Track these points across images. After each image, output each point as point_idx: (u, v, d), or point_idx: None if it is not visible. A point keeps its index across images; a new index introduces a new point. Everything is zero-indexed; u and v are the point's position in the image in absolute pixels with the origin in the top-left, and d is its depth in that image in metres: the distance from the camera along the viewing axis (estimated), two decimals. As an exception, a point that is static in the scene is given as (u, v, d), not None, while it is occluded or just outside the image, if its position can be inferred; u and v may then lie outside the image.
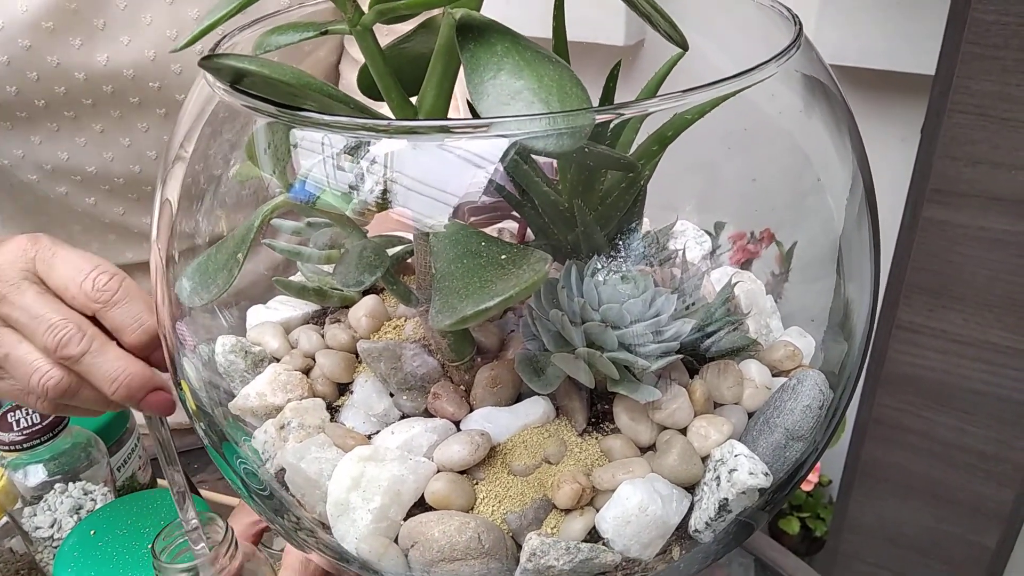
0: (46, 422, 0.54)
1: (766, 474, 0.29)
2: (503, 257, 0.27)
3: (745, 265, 0.42)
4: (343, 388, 0.37)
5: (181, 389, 0.35)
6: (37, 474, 0.56)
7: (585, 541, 0.30)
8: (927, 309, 0.89)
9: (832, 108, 0.35)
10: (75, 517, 0.57)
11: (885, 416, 0.98)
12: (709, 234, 0.42)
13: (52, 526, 0.56)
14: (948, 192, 0.80)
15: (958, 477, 0.98)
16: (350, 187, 0.29)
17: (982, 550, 1.02)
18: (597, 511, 0.31)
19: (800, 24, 0.31)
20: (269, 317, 0.40)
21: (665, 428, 0.32)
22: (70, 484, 0.57)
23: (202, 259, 0.31)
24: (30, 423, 0.54)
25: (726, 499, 0.29)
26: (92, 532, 0.53)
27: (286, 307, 0.42)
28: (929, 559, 1.06)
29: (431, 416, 0.34)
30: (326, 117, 0.26)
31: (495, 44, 0.25)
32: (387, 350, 0.35)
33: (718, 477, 0.30)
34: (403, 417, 0.34)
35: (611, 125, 0.32)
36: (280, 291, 0.40)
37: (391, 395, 0.35)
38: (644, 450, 0.33)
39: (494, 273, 0.27)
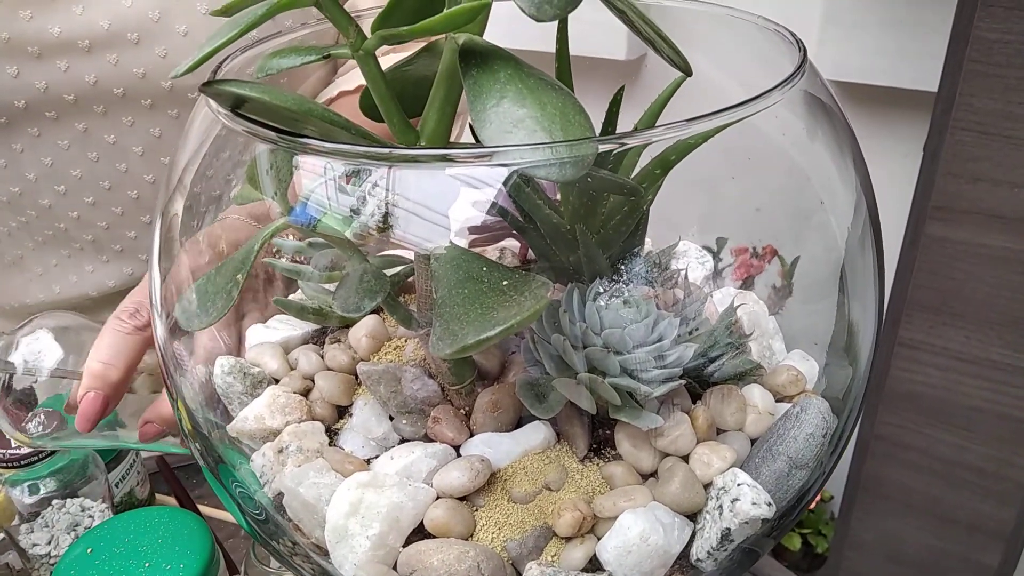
0: (43, 439, 0.54)
1: (769, 504, 0.29)
2: (504, 283, 0.27)
3: (747, 281, 0.42)
4: (342, 411, 0.36)
5: (177, 409, 0.34)
6: (35, 491, 0.55)
7: (585, 570, 0.29)
8: (928, 326, 0.89)
9: (835, 130, 0.35)
10: (72, 534, 0.56)
11: (887, 433, 0.98)
12: (711, 252, 0.42)
13: (49, 543, 0.56)
14: (950, 209, 0.80)
15: (959, 495, 0.97)
16: (351, 211, 0.29)
17: (983, 569, 1.01)
18: (598, 539, 0.30)
19: (804, 50, 0.31)
20: (268, 337, 0.40)
21: (667, 455, 0.32)
22: (68, 500, 0.57)
23: (201, 282, 0.30)
24: (27, 440, 0.54)
25: (728, 529, 0.29)
26: (89, 550, 0.53)
27: (286, 326, 0.41)
28: (930, 577, 1.05)
29: (431, 440, 0.34)
30: (327, 144, 0.26)
31: (498, 71, 0.25)
32: (387, 373, 0.35)
33: (720, 506, 0.30)
34: (402, 441, 0.34)
35: (613, 152, 0.32)
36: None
37: (390, 418, 0.35)
38: (646, 477, 0.32)
39: (495, 300, 0.26)
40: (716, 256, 0.42)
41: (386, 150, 0.25)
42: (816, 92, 0.33)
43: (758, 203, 0.36)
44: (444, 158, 0.25)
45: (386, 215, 0.28)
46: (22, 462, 0.53)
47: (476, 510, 0.31)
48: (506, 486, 0.32)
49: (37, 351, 0.46)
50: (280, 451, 0.34)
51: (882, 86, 0.99)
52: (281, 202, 0.29)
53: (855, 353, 0.35)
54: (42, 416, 0.46)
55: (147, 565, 0.52)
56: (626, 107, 0.36)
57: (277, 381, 0.38)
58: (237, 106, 0.27)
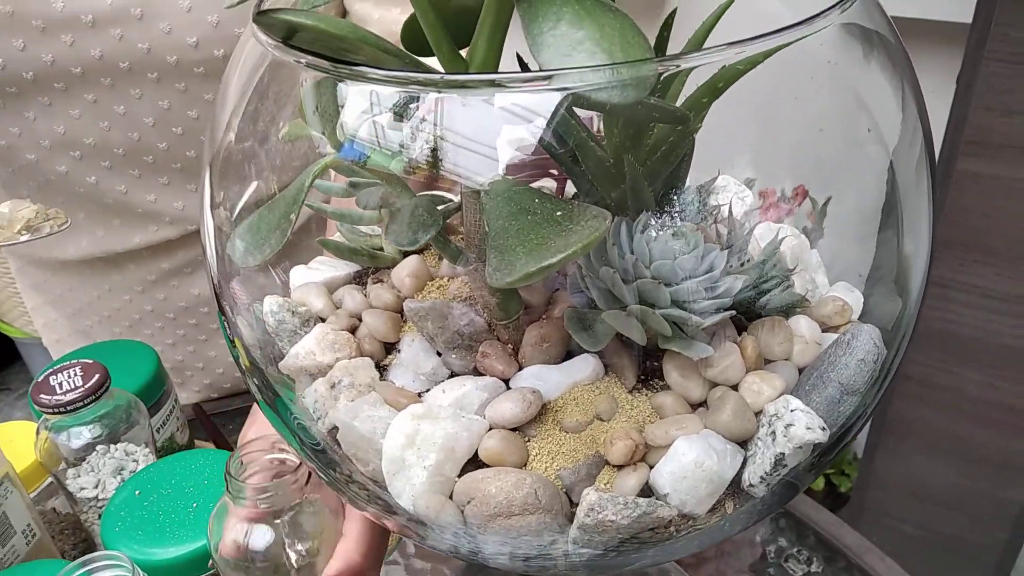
0: (89, 384, 0.55)
1: (823, 428, 0.29)
2: (558, 214, 0.27)
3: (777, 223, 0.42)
4: (389, 348, 0.37)
5: (235, 346, 0.35)
6: (80, 436, 0.56)
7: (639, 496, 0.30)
8: (958, 264, 0.88)
9: (889, 55, 0.34)
10: (118, 478, 0.58)
11: (914, 373, 0.98)
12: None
13: (96, 487, 0.57)
14: (983, 143, 0.78)
15: (986, 433, 0.98)
16: (400, 145, 0.28)
17: (1010, 505, 1.02)
18: (650, 468, 0.31)
19: (858, -31, 0.31)
20: (311, 277, 0.40)
21: (716, 385, 0.32)
22: (112, 446, 0.58)
23: (253, 219, 0.31)
24: (73, 386, 0.55)
25: (782, 453, 0.29)
26: (137, 492, 0.54)
27: (327, 267, 0.42)
28: (955, 514, 1.06)
29: (480, 374, 0.34)
30: (378, 72, 0.25)
31: (553, -6, 0.24)
32: (434, 309, 0.35)
33: (773, 432, 0.30)
34: (452, 375, 0.34)
35: (661, 76, 0.32)
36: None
37: (438, 354, 0.35)
38: (695, 407, 0.32)
39: (551, 230, 0.26)
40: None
41: (438, 76, 0.25)
42: (871, 14, 0.32)
43: (809, 132, 0.36)
44: (497, 83, 0.25)
45: (434, 150, 0.28)
46: (67, 408, 0.54)
47: (528, 440, 0.32)
48: (557, 417, 0.32)
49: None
50: (332, 386, 0.34)
51: (913, 18, 0.97)
52: (330, 138, 0.29)
53: (906, 285, 0.35)
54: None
55: (195, 505, 0.53)
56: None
57: (323, 320, 0.38)
58: (288, 38, 0.26)
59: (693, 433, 0.30)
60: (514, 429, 0.32)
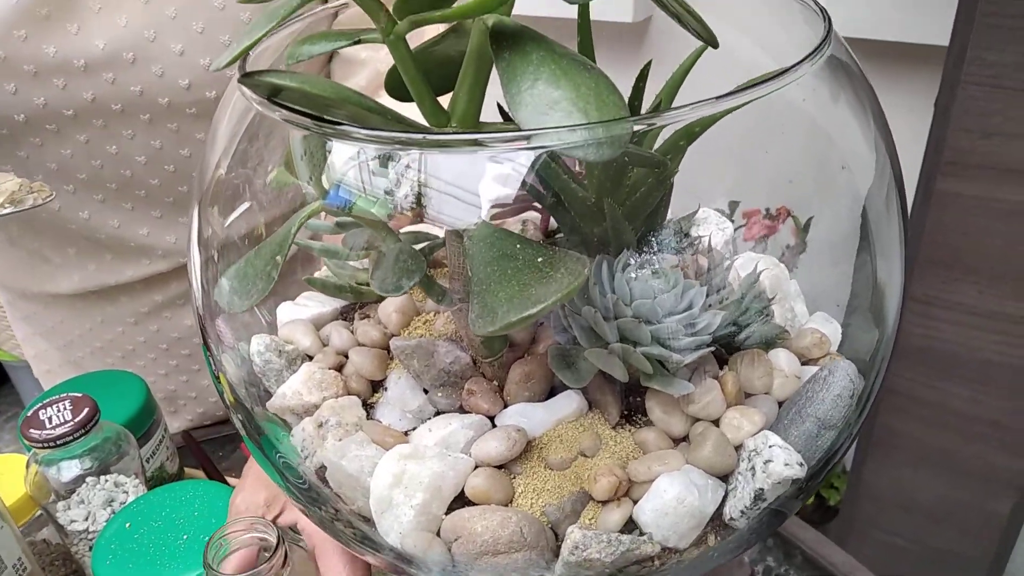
0: (78, 419, 0.55)
1: (801, 464, 0.30)
2: (539, 260, 0.28)
3: (760, 243, 0.43)
4: (376, 385, 0.37)
5: (220, 382, 0.36)
6: (70, 469, 0.57)
7: (623, 531, 0.31)
8: (940, 282, 0.89)
9: (856, 92, 0.35)
10: (108, 510, 0.58)
11: (900, 387, 0.99)
12: (730, 219, 0.43)
13: (87, 519, 0.57)
14: (962, 164, 0.80)
15: (972, 447, 0.99)
16: (384, 193, 0.29)
17: (995, 516, 1.03)
18: (634, 502, 0.31)
19: (829, 19, 0.32)
20: (298, 314, 0.41)
21: (698, 420, 0.33)
22: (102, 477, 0.58)
23: (241, 265, 0.31)
24: (62, 420, 0.55)
25: (762, 489, 0.30)
26: (128, 524, 0.54)
27: (315, 303, 0.42)
28: (943, 526, 1.07)
29: (466, 412, 0.35)
30: (361, 131, 0.26)
31: (530, 53, 0.25)
32: (420, 348, 0.35)
33: (753, 468, 0.30)
34: (438, 413, 0.35)
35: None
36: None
37: (425, 391, 0.36)
38: (677, 441, 0.33)
39: (532, 276, 0.27)
40: (730, 219, 0.42)
41: (420, 135, 0.25)
42: (838, 55, 0.33)
43: (782, 169, 0.37)
44: (478, 142, 0.26)
45: (419, 196, 0.29)
46: (57, 442, 0.54)
47: (514, 477, 0.32)
48: (542, 454, 0.33)
49: None
50: (320, 425, 0.35)
51: (891, 41, 0.99)
52: (316, 186, 0.30)
53: (882, 314, 0.36)
54: None
55: (185, 538, 0.53)
56: (635, 70, 0.36)
57: (310, 357, 0.39)
58: (273, 95, 0.27)
59: (675, 469, 0.31)
60: (500, 467, 0.33)
